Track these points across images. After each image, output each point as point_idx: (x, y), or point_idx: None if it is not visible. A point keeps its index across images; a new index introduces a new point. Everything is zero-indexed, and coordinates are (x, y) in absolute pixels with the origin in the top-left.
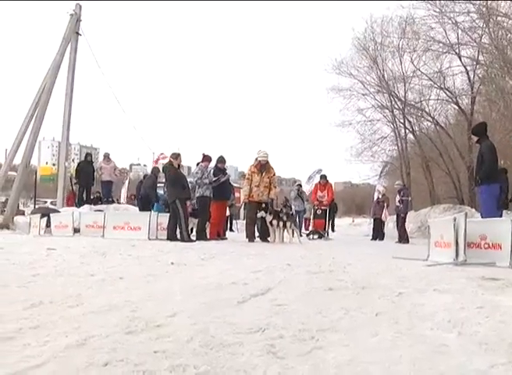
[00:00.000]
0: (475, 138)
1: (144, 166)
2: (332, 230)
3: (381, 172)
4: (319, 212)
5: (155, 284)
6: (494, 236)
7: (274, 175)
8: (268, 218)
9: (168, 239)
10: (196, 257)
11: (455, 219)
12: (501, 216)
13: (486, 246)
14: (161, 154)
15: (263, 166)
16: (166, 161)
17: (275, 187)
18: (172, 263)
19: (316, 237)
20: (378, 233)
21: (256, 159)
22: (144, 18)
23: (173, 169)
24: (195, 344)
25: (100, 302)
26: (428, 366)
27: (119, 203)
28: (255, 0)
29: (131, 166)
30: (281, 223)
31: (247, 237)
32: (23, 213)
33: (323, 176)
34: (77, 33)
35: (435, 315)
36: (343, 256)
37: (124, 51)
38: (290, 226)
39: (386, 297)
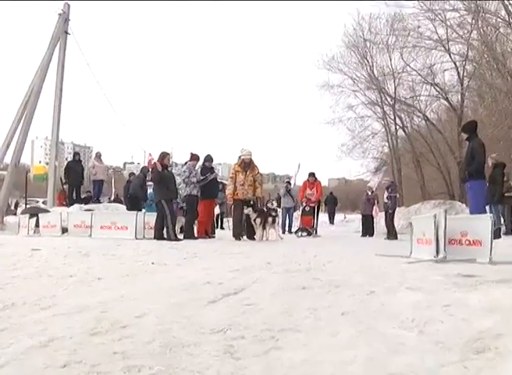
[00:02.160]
0: (465, 136)
1: (138, 164)
2: (332, 222)
3: (376, 168)
4: (307, 208)
5: (132, 285)
6: (474, 232)
7: (258, 173)
8: (253, 216)
9: (155, 238)
10: (178, 256)
11: (435, 216)
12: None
13: (467, 242)
14: (150, 154)
15: (247, 165)
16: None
17: (260, 185)
18: (153, 263)
19: (304, 234)
20: (368, 229)
21: (239, 158)
22: (134, 16)
23: (156, 170)
24: (155, 345)
25: (73, 303)
26: (380, 366)
27: (110, 201)
28: None
29: (125, 164)
30: (264, 221)
31: (233, 235)
32: (14, 213)
33: (311, 174)
34: (66, 33)
35: (401, 314)
36: (326, 254)
37: (115, 49)
38: (272, 223)
39: (356, 296)
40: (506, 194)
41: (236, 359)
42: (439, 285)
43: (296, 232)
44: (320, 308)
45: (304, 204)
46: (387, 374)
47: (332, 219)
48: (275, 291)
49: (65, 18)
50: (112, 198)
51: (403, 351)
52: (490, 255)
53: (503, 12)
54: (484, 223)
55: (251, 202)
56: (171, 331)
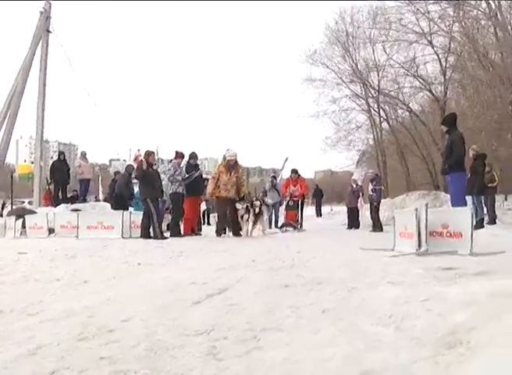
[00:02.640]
0: (445, 128)
1: (124, 161)
2: (319, 215)
3: (358, 161)
4: (291, 203)
5: (118, 287)
6: (455, 225)
7: (242, 173)
8: (240, 212)
9: (141, 237)
10: (164, 256)
11: (417, 210)
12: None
13: (448, 235)
14: (138, 150)
15: (231, 166)
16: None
17: (243, 185)
18: (139, 264)
19: (289, 229)
20: (353, 222)
21: (224, 158)
22: (115, 13)
23: (141, 168)
24: (140, 349)
25: (60, 308)
26: (357, 362)
27: (97, 200)
28: None
29: (111, 161)
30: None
31: (216, 232)
32: (0, 215)
33: (294, 171)
34: (48, 31)
35: (380, 310)
36: (311, 249)
37: (99, 47)
38: (257, 219)
39: (338, 292)
40: (488, 185)
41: (219, 360)
42: (420, 279)
43: (280, 227)
44: (302, 306)
45: (288, 198)
46: (362, 371)
47: (319, 212)
48: (258, 290)
49: (46, 16)
50: (101, 197)
51: (379, 347)
52: (471, 246)
53: (484, 4)
54: (464, 215)
55: (239, 198)
56: (156, 334)
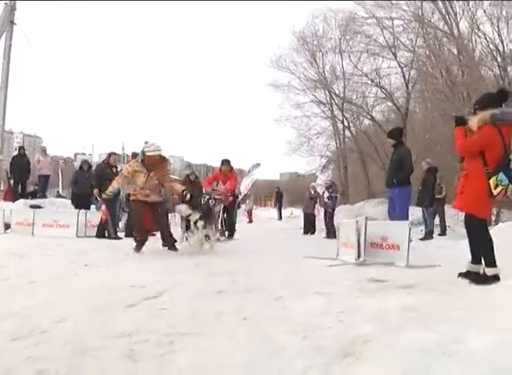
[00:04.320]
0: (392, 142)
1: (90, 155)
2: (280, 218)
3: (324, 166)
4: (212, 203)
5: (61, 288)
6: (394, 237)
7: (167, 174)
8: (194, 217)
9: (96, 236)
10: (113, 257)
11: (357, 222)
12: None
13: (387, 247)
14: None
15: (151, 164)
16: None
17: (174, 186)
18: (86, 265)
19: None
20: (309, 227)
21: (143, 153)
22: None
23: (97, 169)
24: (67, 349)
25: (1, 309)
26: (257, 370)
27: (60, 196)
28: None
29: (76, 154)
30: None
31: (135, 242)
32: None
33: (226, 162)
34: (12, 23)
35: (297, 319)
36: (256, 256)
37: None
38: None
39: (264, 300)
40: (437, 197)
41: (135, 362)
42: (345, 290)
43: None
44: (227, 312)
45: (208, 197)
46: None
47: (279, 215)
48: (192, 295)
49: (10, 8)
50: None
51: (282, 355)
52: (407, 259)
53: (442, 24)
54: (402, 228)
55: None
56: (85, 335)
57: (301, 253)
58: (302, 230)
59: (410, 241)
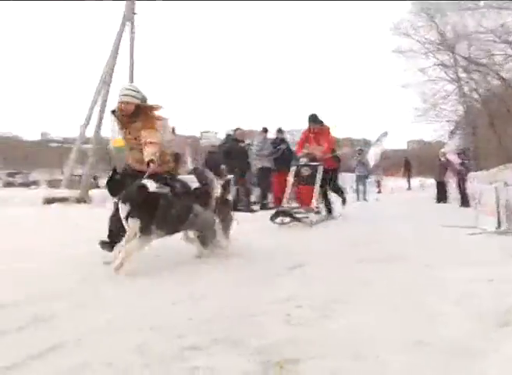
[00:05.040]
0: None
1: (216, 133)
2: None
3: (451, 132)
4: (305, 172)
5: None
6: None
7: (153, 127)
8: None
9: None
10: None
11: (496, 189)
12: None
13: None
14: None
15: (129, 114)
16: None
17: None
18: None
19: (286, 220)
20: (442, 196)
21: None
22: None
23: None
24: (228, 314)
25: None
26: (413, 332)
27: None
28: None
29: (202, 133)
30: None
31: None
32: (97, 186)
33: (313, 118)
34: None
35: (448, 287)
36: (394, 225)
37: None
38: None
39: (412, 269)
40: None
41: (291, 325)
42: (493, 258)
43: (272, 217)
44: (375, 280)
45: (302, 163)
46: (416, 341)
47: (409, 185)
48: (336, 265)
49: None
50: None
51: (438, 320)
52: None
53: None
54: None
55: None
56: (244, 302)
57: (438, 222)
58: (435, 200)
59: None
